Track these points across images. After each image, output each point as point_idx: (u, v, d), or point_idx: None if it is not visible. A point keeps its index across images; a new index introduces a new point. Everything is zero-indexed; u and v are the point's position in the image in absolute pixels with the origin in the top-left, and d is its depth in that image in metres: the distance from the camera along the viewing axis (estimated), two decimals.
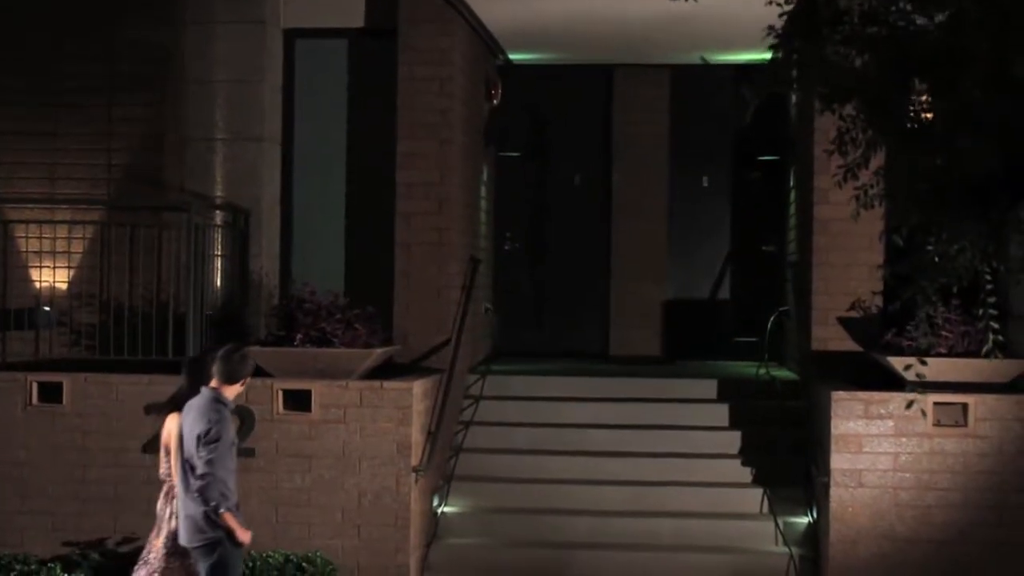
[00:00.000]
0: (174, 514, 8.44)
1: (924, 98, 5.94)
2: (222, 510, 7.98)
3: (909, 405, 6.92)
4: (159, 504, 8.62)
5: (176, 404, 8.51)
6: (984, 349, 6.79)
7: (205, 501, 7.96)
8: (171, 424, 8.51)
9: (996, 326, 6.45)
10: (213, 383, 8.16)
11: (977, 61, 5.42)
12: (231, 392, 8.19)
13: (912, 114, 5.89)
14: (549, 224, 14.86)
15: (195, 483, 7.97)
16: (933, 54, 5.58)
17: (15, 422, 10.59)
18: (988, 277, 6.38)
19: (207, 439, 7.94)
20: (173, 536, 8.44)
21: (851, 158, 6.10)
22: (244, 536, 8.12)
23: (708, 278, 14.58)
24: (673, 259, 14.57)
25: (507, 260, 14.67)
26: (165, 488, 8.60)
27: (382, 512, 10.33)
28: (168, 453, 8.53)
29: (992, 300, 6.44)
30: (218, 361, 8.17)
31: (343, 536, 10.33)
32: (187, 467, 8.08)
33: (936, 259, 6.18)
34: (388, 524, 10.33)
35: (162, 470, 8.63)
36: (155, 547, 8.57)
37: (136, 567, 8.66)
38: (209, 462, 7.94)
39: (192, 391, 8.32)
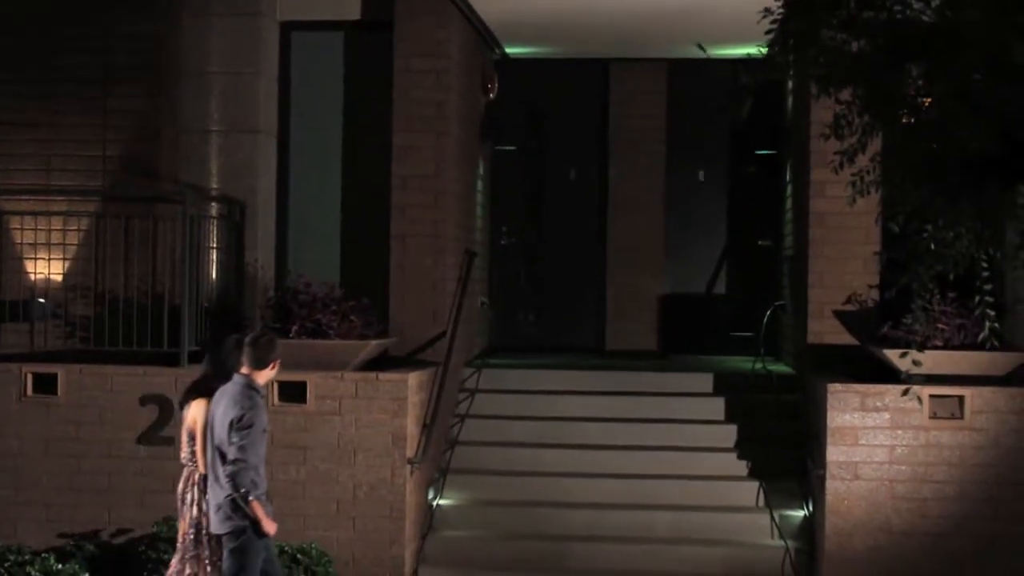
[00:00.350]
0: (195, 501, 8.43)
1: (920, 84, 5.93)
2: (251, 497, 7.97)
3: (905, 391, 6.90)
4: (180, 488, 8.60)
5: (199, 390, 8.51)
6: (980, 336, 6.77)
7: (235, 487, 7.95)
8: (196, 411, 8.48)
9: (992, 313, 6.43)
10: (244, 369, 8.17)
11: (974, 45, 5.41)
12: (262, 377, 8.21)
13: (909, 98, 5.88)
14: (545, 218, 14.86)
15: (227, 468, 7.96)
16: (930, 38, 5.57)
17: (9, 413, 10.56)
18: (984, 264, 6.37)
19: (240, 425, 7.95)
20: (197, 523, 8.42)
21: (847, 143, 6.08)
22: (269, 527, 8.11)
23: (704, 273, 14.57)
24: (669, 254, 14.56)
25: (503, 254, 14.67)
26: (186, 474, 8.58)
27: (377, 504, 10.31)
28: (192, 439, 8.49)
29: (988, 288, 6.43)
30: (246, 348, 8.20)
31: (338, 528, 10.31)
32: (218, 454, 8.07)
33: (932, 246, 6.17)
34: (383, 516, 10.31)
35: (183, 455, 8.60)
36: (181, 532, 8.56)
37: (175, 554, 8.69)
38: (242, 448, 7.94)
39: (216, 378, 8.35)
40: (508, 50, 13.98)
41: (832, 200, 10.99)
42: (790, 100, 13.17)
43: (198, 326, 10.86)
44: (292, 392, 10.39)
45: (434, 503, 11.07)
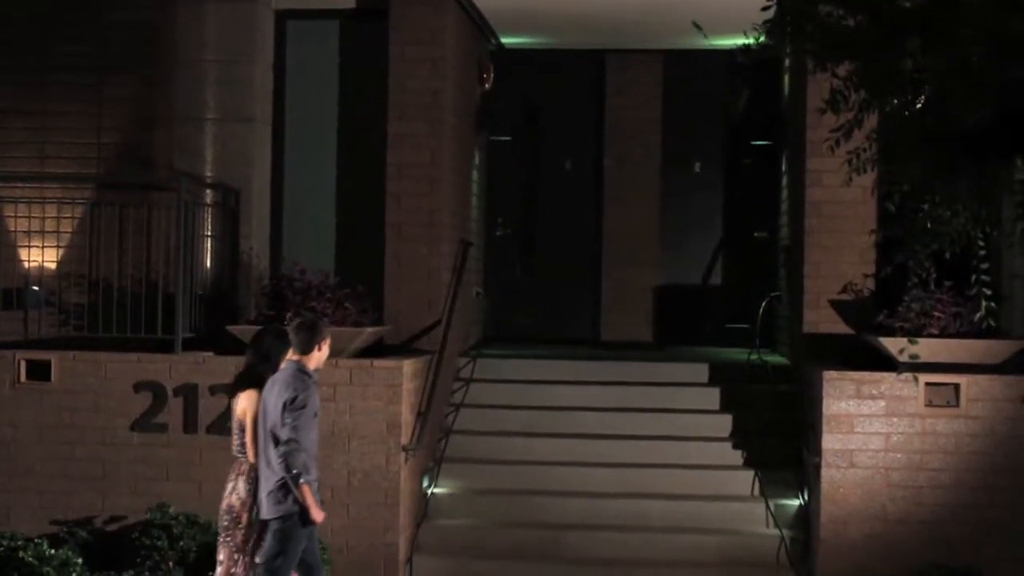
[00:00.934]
0: (235, 489, 8.38)
1: (918, 59, 5.90)
2: (302, 480, 7.93)
3: (900, 373, 6.89)
4: (228, 478, 8.56)
5: (246, 381, 8.47)
6: (977, 316, 6.76)
7: (287, 468, 7.91)
8: (245, 401, 8.41)
9: (989, 292, 6.41)
10: (293, 356, 8.21)
11: (973, 20, 5.39)
12: (312, 361, 8.23)
13: (907, 74, 5.86)
14: (541, 209, 14.83)
15: (280, 448, 7.93)
16: (929, 13, 5.55)
17: (3, 400, 10.54)
18: (981, 243, 6.36)
19: (293, 406, 7.95)
20: (235, 512, 8.37)
21: (844, 118, 6.06)
22: (317, 515, 8.08)
23: (700, 264, 14.54)
24: (665, 245, 14.54)
25: (498, 245, 14.63)
26: (235, 464, 8.52)
27: (371, 491, 10.28)
28: (242, 430, 8.43)
29: (984, 267, 6.42)
30: (291, 334, 8.25)
31: (332, 515, 10.19)
32: (270, 438, 8.04)
33: (929, 224, 6.16)
34: (378, 503, 10.28)
35: (234, 447, 8.53)
36: (219, 517, 8.52)
37: None
38: (295, 428, 7.93)
39: (260, 367, 8.37)
40: (504, 40, 13.96)
41: (828, 189, 11.00)
42: (786, 89, 13.15)
43: (192, 313, 10.85)
44: None
45: (429, 491, 11.05)
